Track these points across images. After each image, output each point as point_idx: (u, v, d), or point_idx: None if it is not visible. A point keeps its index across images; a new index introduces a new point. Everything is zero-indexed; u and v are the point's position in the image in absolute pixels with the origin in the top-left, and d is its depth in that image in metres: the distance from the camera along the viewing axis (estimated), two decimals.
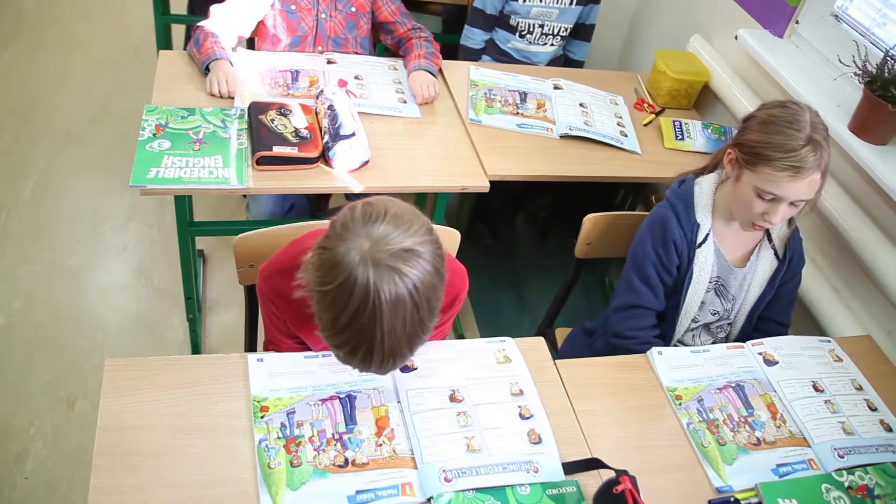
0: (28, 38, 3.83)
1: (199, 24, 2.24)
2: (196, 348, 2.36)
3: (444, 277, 1.14)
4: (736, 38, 2.37)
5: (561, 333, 2.12)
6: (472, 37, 2.74)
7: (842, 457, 1.49)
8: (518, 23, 2.67)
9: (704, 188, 1.74)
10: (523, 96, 2.37)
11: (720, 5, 2.56)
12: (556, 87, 2.45)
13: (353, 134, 1.90)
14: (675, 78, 2.48)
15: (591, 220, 1.88)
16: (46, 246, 2.70)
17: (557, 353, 2.07)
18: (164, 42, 2.95)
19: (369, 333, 1.08)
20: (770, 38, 2.36)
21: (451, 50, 2.71)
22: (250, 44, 2.48)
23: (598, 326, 1.97)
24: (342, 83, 2.13)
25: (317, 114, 2.04)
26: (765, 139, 1.55)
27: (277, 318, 1.45)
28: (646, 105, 2.52)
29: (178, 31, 3.19)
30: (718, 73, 2.50)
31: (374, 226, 1.09)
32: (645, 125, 2.43)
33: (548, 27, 2.69)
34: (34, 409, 2.18)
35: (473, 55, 2.77)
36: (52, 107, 3.39)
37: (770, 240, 1.76)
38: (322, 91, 2.05)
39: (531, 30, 2.69)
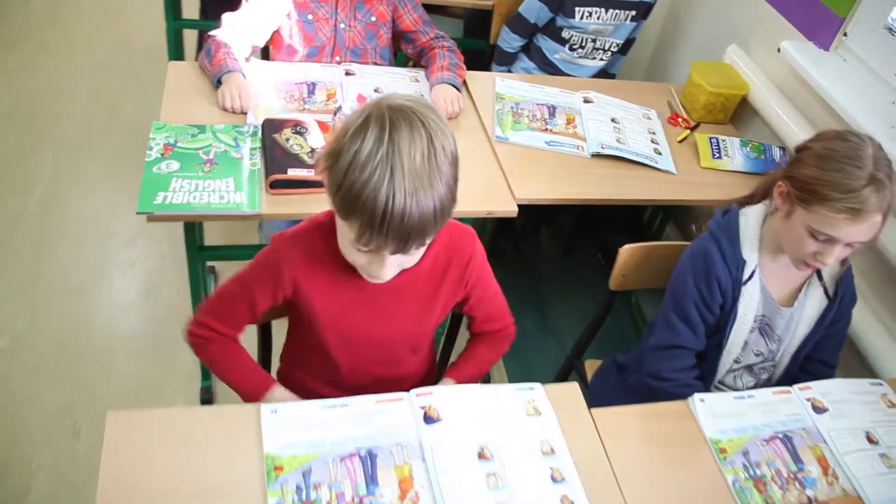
0: (33, 40, 3.74)
1: (210, 33, 2.12)
2: (206, 373, 2.26)
3: (453, 141, 1.13)
4: (779, 50, 2.23)
5: (591, 365, 2.00)
6: (509, 41, 2.64)
7: None
8: (571, 35, 2.54)
9: (751, 221, 1.62)
10: (552, 110, 2.25)
11: (760, 15, 2.42)
12: (586, 101, 2.32)
13: None
14: (712, 91, 2.35)
15: (627, 252, 1.76)
16: (52, 262, 2.60)
17: (588, 387, 1.95)
18: (176, 48, 2.84)
19: (389, 165, 1.05)
20: (815, 50, 2.22)
21: (473, 56, 2.59)
22: (265, 53, 2.35)
23: (632, 361, 1.85)
24: (361, 99, 2.01)
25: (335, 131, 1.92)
26: (821, 176, 1.42)
27: (263, 287, 1.36)
28: (680, 120, 2.39)
29: (190, 35, 3.07)
30: (757, 86, 2.37)
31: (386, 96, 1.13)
32: (680, 142, 2.30)
33: (600, 42, 2.58)
34: (37, 440, 2.08)
35: (507, 59, 2.68)
36: (57, 113, 3.29)
37: (820, 277, 1.64)
38: (340, 107, 1.93)
39: (583, 44, 2.56)
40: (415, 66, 2.35)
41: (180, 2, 2.89)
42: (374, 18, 2.24)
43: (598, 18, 2.51)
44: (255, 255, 1.36)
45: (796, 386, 1.59)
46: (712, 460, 1.41)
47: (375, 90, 2.16)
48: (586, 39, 2.56)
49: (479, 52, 2.88)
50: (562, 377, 2.06)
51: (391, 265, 1.20)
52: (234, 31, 2.11)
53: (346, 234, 1.16)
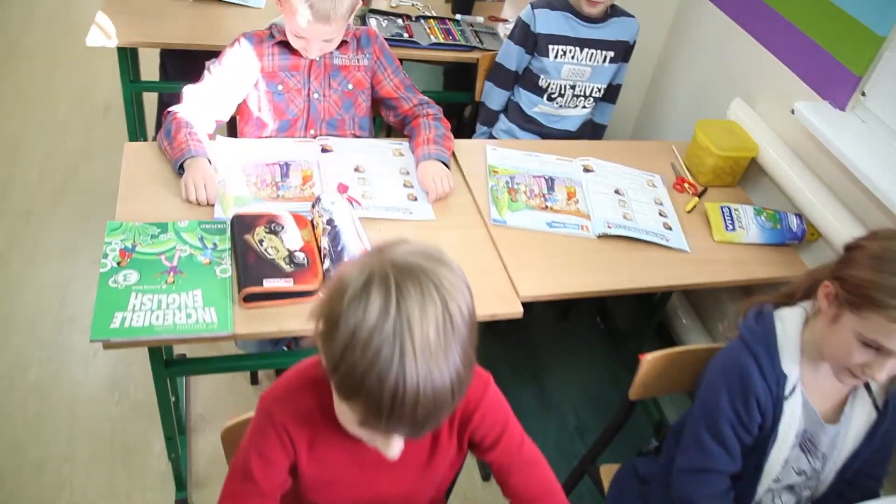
0: None
1: (170, 109, 1.91)
2: (180, 483, 2.03)
3: (470, 296, 0.95)
4: (792, 112, 2.05)
5: (606, 471, 1.80)
6: (495, 97, 2.47)
7: None
8: (548, 84, 2.35)
9: (790, 326, 1.44)
10: (550, 183, 2.05)
11: (767, 68, 2.26)
12: (586, 170, 2.13)
13: None
14: (721, 155, 2.16)
15: (650, 362, 1.57)
16: (3, 354, 2.35)
17: (605, 499, 1.75)
18: (135, 112, 2.61)
19: (398, 343, 0.86)
20: (830, 110, 2.06)
21: (452, 109, 2.38)
22: (231, 123, 2.13)
23: (656, 474, 1.66)
24: (342, 188, 1.80)
25: (313, 227, 1.71)
26: (878, 280, 1.26)
27: (276, 452, 1.12)
28: (686, 185, 2.20)
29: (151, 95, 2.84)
30: (767, 147, 2.20)
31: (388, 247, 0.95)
32: (689, 211, 2.12)
33: (579, 88, 2.39)
34: None
35: (493, 117, 2.50)
36: (10, 178, 3.04)
37: (868, 388, 1.45)
38: (319, 200, 1.72)
39: (562, 92, 2.37)
40: (391, 132, 2.15)
41: (137, 61, 2.67)
42: (350, 86, 2.04)
43: (573, 58, 2.34)
44: (249, 424, 1.14)
45: None
46: None
47: (356, 169, 1.96)
48: (564, 87, 2.39)
49: (459, 107, 2.68)
50: (572, 483, 1.86)
51: (400, 442, 1.00)
52: (196, 105, 1.91)
53: (346, 411, 0.95)
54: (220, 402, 2.31)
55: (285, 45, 1.94)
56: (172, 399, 1.96)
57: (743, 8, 2.41)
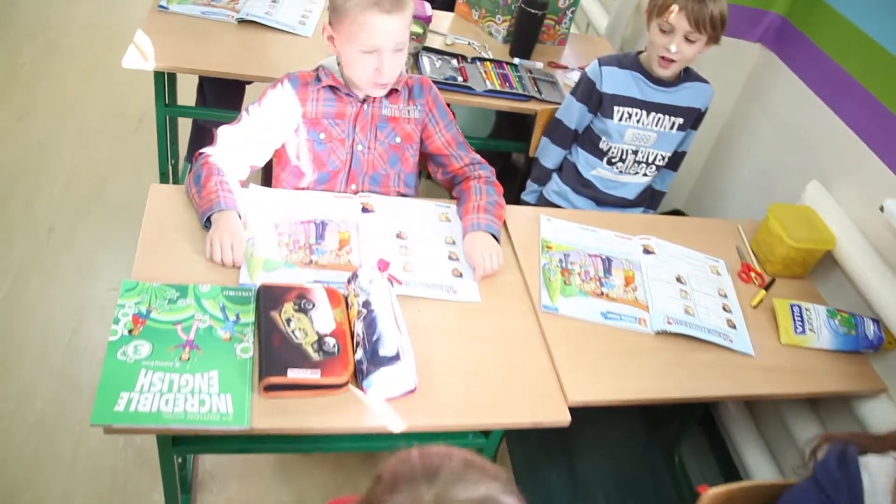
0: (18, 100, 3.36)
1: (202, 151, 1.76)
2: None
3: None
4: (882, 209, 1.86)
5: None
6: (552, 155, 2.31)
7: None
8: (610, 147, 2.17)
9: (878, 480, 1.26)
10: (607, 265, 1.87)
11: (851, 152, 2.10)
12: (646, 251, 1.95)
13: (398, 356, 1.40)
14: (795, 247, 1.97)
15: (711, 498, 1.38)
16: (9, 384, 2.23)
17: None
18: (167, 135, 2.46)
19: None
20: None
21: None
22: (267, 165, 1.98)
23: None
24: (383, 266, 1.63)
25: (347, 306, 1.54)
26: None
27: None
28: (753, 274, 2.02)
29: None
30: (845, 242, 2.01)
31: (438, 474, 0.81)
32: (755, 307, 1.93)
33: (642, 153, 2.21)
34: None
35: (546, 175, 2.35)
36: (35, 188, 2.93)
37: None
38: (356, 276, 1.56)
39: (623, 156, 2.20)
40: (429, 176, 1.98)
41: (175, 83, 2.52)
42: (398, 140, 1.88)
43: (639, 122, 2.17)
44: None
45: None
46: None
47: (398, 235, 1.80)
48: (627, 152, 2.21)
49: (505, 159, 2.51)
50: None
51: None
52: (229, 148, 1.77)
53: None
54: (228, 460, 2.15)
55: (332, 89, 1.78)
56: (178, 460, 1.80)
57: (826, 79, 2.23)
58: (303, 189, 1.90)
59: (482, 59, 2.56)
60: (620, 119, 2.17)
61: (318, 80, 1.80)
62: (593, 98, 2.17)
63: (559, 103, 2.42)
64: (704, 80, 2.21)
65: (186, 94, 2.64)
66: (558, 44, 2.84)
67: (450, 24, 2.83)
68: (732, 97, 2.59)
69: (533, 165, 2.38)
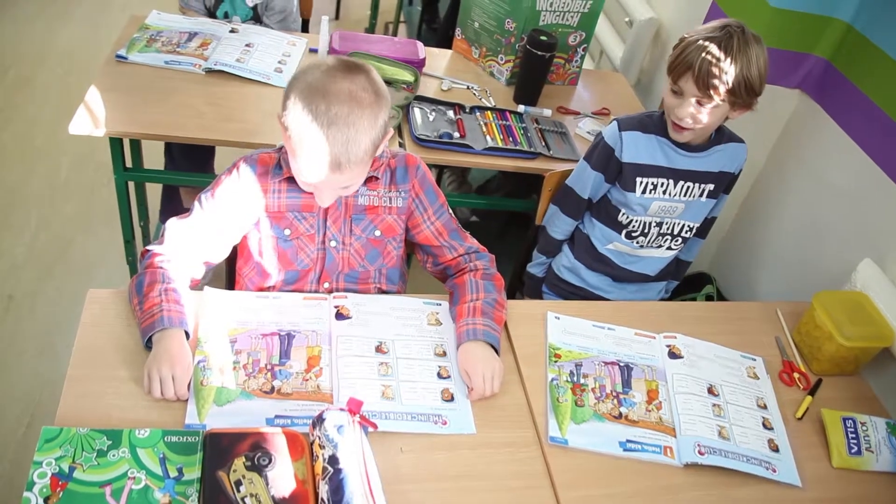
0: None
1: (149, 248, 1.49)
2: None
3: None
4: None
5: None
6: (561, 225, 2.02)
7: None
8: (630, 220, 1.88)
9: None
10: (626, 374, 1.59)
11: None
12: (672, 354, 1.65)
13: None
14: (846, 345, 1.67)
15: None
16: None
17: None
18: (137, 200, 2.21)
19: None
20: None
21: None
22: (232, 257, 1.70)
23: None
24: (355, 406, 1.34)
25: (312, 456, 1.26)
26: None
27: None
28: (796, 375, 1.71)
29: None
30: None
31: None
32: (799, 418, 1.62)
33: (667, 225, 1.91)
34: None
35: (555, 248, 2.06)
36: None
37: None
38: (323, 419, 1.28)
39: (645, 230, 1.90)
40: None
41: (139, 143, 2.24)
42: (378, 233, 1.59)
43: (665, 192, 1.88)
44: None
45: None
46: None
47: (378, 348, 1.51)
48: (649, 224, 1.90)
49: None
50: None
51: None
52: (180, 246, 1.51)
53: None
54: None
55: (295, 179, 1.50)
56: None
57: (876, 134, 1.92)
58: (268, 288, 1.61)
59: (482, 109, 2.26)
60: (644, 191, 1.87)
61: (279, 167, 1.52)
62: (612, 167, 1.87)
63: (571, 159, 2.14)
64: (739, 140, 1.91)
65: (154, 151, 2.36)
66: (569, 83, 2.54)
67: (447, 65, 2.53)
68: (766, 149, 2.28)
69: (539, 234, 2.09)
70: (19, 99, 3.40)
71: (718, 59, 1.66)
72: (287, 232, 1.56)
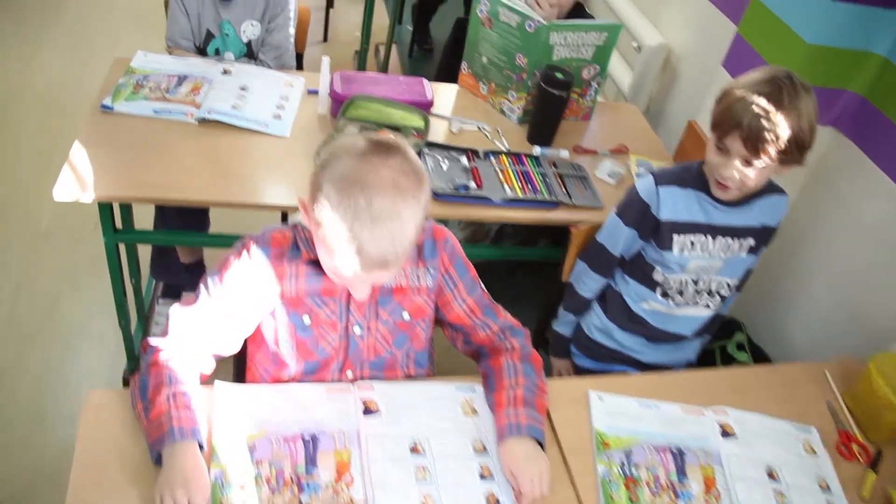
0: None
1: (151, 341, 1.34)
2: None
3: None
4: None
5: None
6: (586, 280, 1.89)
7: None
8: (666, 279, 1.74)
9: None
10: (680, 461, 1.48)
11: None
12: (725, 433, 1.53)
13: None
14: None
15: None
16: None
17: None
18: (128, 256, 2.04)
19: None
20: None
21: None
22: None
23: None
24: None
25: None
26: None
27: None
28: (855, 447, 1.59)
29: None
30: None
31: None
32: (866, 498, 1.50)
33: (704, 282, 1.78)
34: None
35: (583, 305, 1.93)
36: None
37: None
38: None
39: (682, 288, 1.77)
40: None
41: (129, 207, 2.07)
42: (406, 316, 1.44)
43: (703, 250, 1.76)
44: None
45: None
46: None
47: (413, 449, 1.36)
48: (686, 283, 1.76)
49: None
50: None
51: None
52: (185, 339, 1.36)
53: None
54: None
55: (316, 263, 1.34)
56: None
57: None
58: (286, 381, 1.45)
59: (497, 153, 2.12)
60: (681, 250, 1.74)
61: (297, 248, 1.36)
62: (647, 224, 1.74)
63: (593, 207, 2.01)
64: (780, 191, 1.79)
65: (144, 206, 2.18)
66: (582, 119, 2.40)
67: (454, 103, 2.39)
68: (797, 187, 2.16)
69: (566, 291, 1.95)
70: None
71: (769, 117, 1.53)
72: (306, 320, 1.40)
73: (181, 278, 2.46)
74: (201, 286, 1.39)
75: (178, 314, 1.38)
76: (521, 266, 2.85)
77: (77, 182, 1.80)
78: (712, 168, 1.67)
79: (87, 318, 2.48)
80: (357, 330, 1.43)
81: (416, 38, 4.45)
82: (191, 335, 1.37)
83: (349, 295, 1.39)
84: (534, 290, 2.80)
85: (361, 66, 3.90)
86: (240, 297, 1.38)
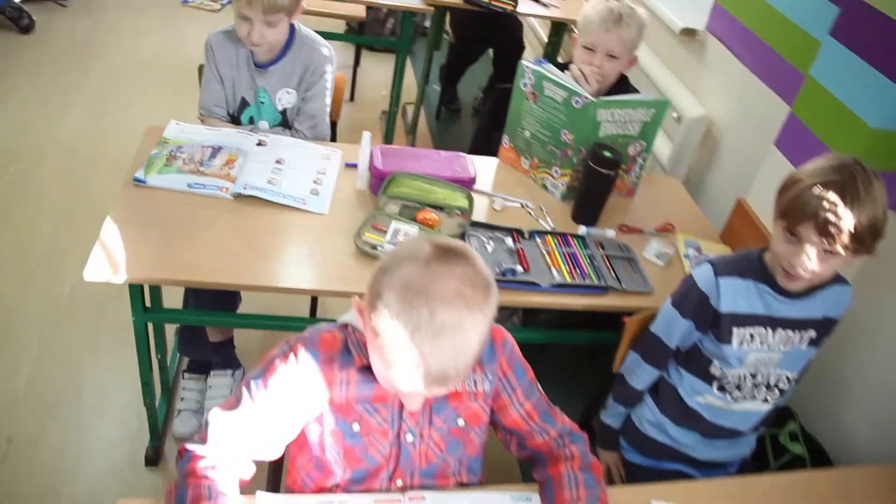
0: None
1: (188, 447, 1.24)
2: None
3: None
4: None
5: None
6: (638, 372, 1.79)
7: None
8: (723, 373, 1.64)
9: None
10: None
11: None
12: None
13: None
14: None
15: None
16: None
17: None
18: (148, 340, 1.94)
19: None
20: None
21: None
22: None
23: None
24: None
25: None
26: None
27: None
28: None
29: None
30: None
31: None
32: None
33: (762, 376, 1.68)
34: None
35: (635, 398, 1.83)
36: None
37: None
38: None
39: (740, 382, 1.67)
40: None
41: (160, 293, 1.99)
42: (461, 422, 1.35)
43: (762, 343, 1.67)
44: None
45: None
46: None
47: None
48: (744, 376, 1.66)
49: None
50: None
51: None
52: (227, 445, 1.27)
53: None
54: None
55: (368, 369, 1.25)
56: None
57: None
58: (331, 488, 1.35)
59: (542, 233, 2.04)
60: (741, 343, 1.65)
61: (347, 352, 1.27)
62: (705, 316, 1.65)
63: (643, 292, 1.91)
64: (843, 281, 1.69)
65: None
66: (626, 195, 2.32)
67: (494, 178, 2.31)
68: (854, 270, 2.05)
69: (616, 382, 1.86)
70: (17, 200, 3.14)
71: (843, 207, 1.45)
72: (356, 427, 1.31)
73: (209, 354, 2.37)
74: (243, 389, 1.30)
75: (218, 419, 1.29)
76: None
77: (108, 262, 1.73)
78: (780, 258, 1.59)
79: (109, 388, 2.39)
80: (409, 437, 1.34)
81: (445, 99, 4.42)
82: (231, 441, 1.28)
83: (402, 404, 1.30)
84: (567, 367, 2.70)
85: (390, 128, 3.85)
86: (285, 402, 1.29)
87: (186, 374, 2.41)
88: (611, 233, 2.14)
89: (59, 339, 2.56)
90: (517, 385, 1.40)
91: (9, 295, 2.69)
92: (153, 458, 2.23)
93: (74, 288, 2.75)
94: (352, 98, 4.40)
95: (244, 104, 2.34)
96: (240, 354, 2.44)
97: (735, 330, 1.66)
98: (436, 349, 1.07)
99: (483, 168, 2.29)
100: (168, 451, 2.28)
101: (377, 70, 4.78)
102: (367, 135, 2.05)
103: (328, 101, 2.36)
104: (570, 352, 2.78)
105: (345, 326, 1.32)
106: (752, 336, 1.67)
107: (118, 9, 5.00)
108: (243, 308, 2.34)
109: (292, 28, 2.25)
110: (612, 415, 1.89)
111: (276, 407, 1.29)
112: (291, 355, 1.29)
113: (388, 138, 3.88)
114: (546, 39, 4.12)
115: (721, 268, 1.66)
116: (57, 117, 3.74)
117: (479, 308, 1.10)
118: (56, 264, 2.84)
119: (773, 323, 1.66)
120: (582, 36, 2.27)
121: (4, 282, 2.74)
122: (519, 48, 4.16)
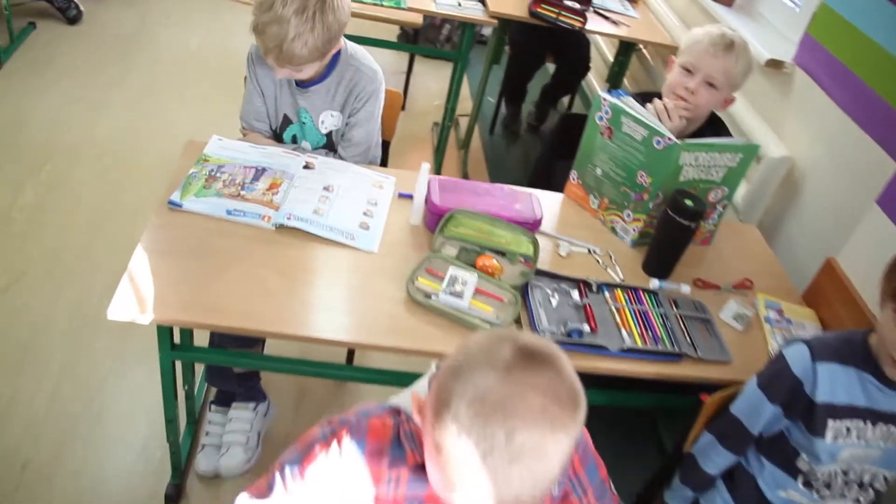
0: (7, 261, 2.76)
1: None
2: None
3: None
4: None
5: None
6: (712, 455, 1.60)
7: None
8: (811, 468, 1.44)
9: None
10: None
11: None
12: None
13: None
14: None
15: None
16: None
17: None
18: (174, 378, 1.79)
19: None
20: None
21: None
22: None
23: None
24: None
25: None
26: None
27: None
28: None
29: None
30: None
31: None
32: None
33: (855, 473, 1.48)
34: None
35: (706, 483, 1.63)
36: (9, 406, 2.28)
37: None
38: None
39: (829, 480, 1.46)
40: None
41: (191, 336, 1.83)
42: None
43: (859, 437, 1.46)
44: None
45: None
46: None
47: None
48: (835, 473, 1.45)
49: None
50: None
51: None
52: None
53: None
54: None
55: (423, 467, 1.06)
56: None
57: None
58: None
59: (611, 286, 1.83)
60: (835, 437, 1.44)
61: (399, 444, 1.08)
62: (797, 403, 1.46)
63: (721, 361, 1.69)
64: None
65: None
66: (701, 243, 2.10)
67: (558, 217, 2.11)
68: None
69: (686, 462, 1.66)
70: (52, 202, 3.01)
71: None
72: None
73: (234, 386, 2.21)
74: (276, 476, 1.13)
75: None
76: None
77: (136, 298, 1.56)
78: (890, 345, 1.38)
79: (132, 414, 2.25)
80: None
81: (506, 121, 4.24)
82: None
83: None
84: (627, 431, 2.51)
85: (442, 142, 3.67)
86: (323, 497, 1.10)
87: (213, 407, 2.26)
88: (686, 288, 1.93)
89: (83, 355, 2.42)
90: (588, 486, 1.21)
91: (35, 307, 2.55)
92: (174, 496, 2.08)
93: (101, 301, 2.59)
94: (403, 107, 4.22)
95: (287, 121, 2.17)
96: (265, 384, 2.28)
97: (830, 422, 1.45)
98: (511, 477, 0.88)
99: (547, 205, 2.09)
100: (190, 489, 2.12)
101: (430, 77, 4.59)
102: (425, 166, 1.87)
103: (376, 125, 2.17)
104: (632, 412, 2.58)
105: (397, 412, 1.14)
106: (848, 430, 1.46)
107: (168, 1, 4.87)
108: (273, 346, 2.17)
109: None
110: (677, 497, 1.70)
111: (313, 501, 1.11)
112: (335, 443, 1.11)
113: (439, 152, 3.70)
114: (612, 59, 3.89)
115: (819, 351, 1.46)
116: (96, 114, 3.60)
117: (565, 428, 0.91)
118: (86, 275, 2.70)
119: (875, 416, 1.46)
120: (683, 55, 2.05)
121: (34, 292, 2.60)
122: (585, 67, 3.95)
